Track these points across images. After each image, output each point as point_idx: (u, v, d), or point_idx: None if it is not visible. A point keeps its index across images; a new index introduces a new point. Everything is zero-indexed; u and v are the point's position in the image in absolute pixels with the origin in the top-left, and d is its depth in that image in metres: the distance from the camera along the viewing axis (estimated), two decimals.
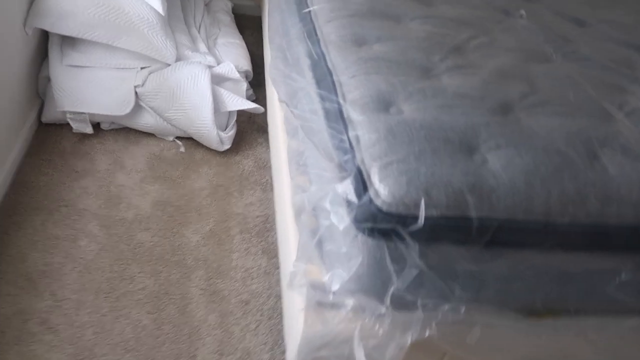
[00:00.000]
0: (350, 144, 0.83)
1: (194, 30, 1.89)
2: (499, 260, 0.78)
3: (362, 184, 0.77)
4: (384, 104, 0.90)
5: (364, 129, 0.84)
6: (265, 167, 1.63)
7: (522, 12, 1.30)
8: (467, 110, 0.90)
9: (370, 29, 1.12)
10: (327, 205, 0.79)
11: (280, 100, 1.23)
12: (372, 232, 0.75)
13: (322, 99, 0.97)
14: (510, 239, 0.79)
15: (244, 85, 1.76)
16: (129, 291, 1.20)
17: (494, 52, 1.11)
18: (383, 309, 0.77)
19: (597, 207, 0.80)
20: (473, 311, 0.79)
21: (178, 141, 1.64)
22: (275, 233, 1.41)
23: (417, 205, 0.74)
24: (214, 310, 1.20)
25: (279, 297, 1.25)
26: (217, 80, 1.67)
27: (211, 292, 1.24)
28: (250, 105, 1.63)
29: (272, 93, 1.36)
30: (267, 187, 1.56)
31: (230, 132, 1.63)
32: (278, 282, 1.29)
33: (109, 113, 1.55)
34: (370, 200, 0.75)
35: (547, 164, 0.82)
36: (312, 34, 1.15)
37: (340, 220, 0.76)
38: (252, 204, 1.50)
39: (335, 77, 0.99)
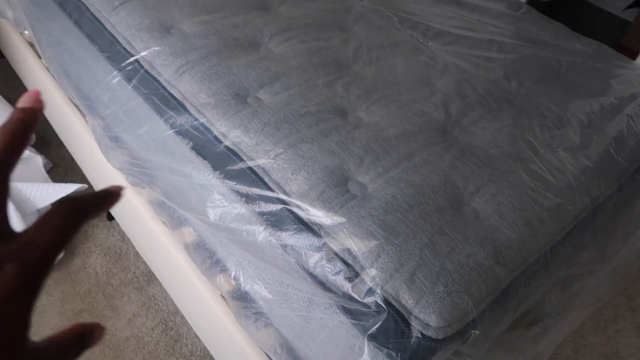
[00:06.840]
0: (347, 264, 0.62)
1: None
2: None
3: (398, 319, 0.58)
4: (340, 184, 0.70)
5: (347, 231, 0.64)
6: (122, 255, 1.25)
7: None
8: (424, 158, 0.76)
9: (241, 70, 0.86)
10: None
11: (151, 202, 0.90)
12: None
13: (248, 198, 0.71)
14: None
15: (39, 159, 1.27)
16: None
17: (384, 57, 0.97)
18: None
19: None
20: None
21: None
22: (188, 339, 1.11)
23: (467, 313, 0.60)
24: None
25: None
26: None
27: None
28: (69, 189, 1.19)
29: (87, 149, 0.98)
30: (141, 281, 1.20)
31: None
32: None
33: None
34: (422, 337, 0.57)
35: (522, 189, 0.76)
36: (166, 99, 0.83)
37: None
38: (137, 315, 1.14)
39: (250, 162, 0.73)
